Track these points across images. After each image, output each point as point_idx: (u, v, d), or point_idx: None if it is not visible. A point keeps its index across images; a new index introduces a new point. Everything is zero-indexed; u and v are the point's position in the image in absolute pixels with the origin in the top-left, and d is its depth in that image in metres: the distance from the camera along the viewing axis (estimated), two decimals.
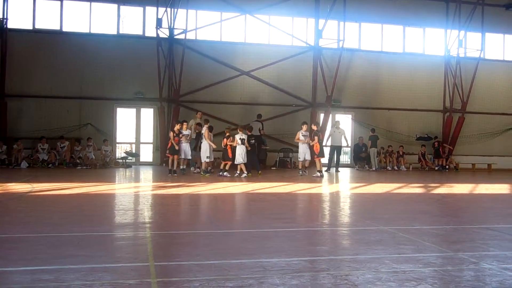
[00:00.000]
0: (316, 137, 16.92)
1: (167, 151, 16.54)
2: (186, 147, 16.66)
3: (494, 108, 25.74)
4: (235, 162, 16.33)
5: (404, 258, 5.27)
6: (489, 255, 5.55)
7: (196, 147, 17.15)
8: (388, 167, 22.66)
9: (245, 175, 16.05)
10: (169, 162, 16.57)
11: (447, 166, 23.52)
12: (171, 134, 16.43)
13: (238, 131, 16.81)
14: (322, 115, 23.52)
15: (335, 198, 11.73)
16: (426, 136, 24.68)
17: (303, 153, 17.18)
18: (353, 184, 15.56)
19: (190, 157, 17.09)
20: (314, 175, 16.48)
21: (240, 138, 16.29)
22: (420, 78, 24.94)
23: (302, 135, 17.07)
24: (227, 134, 16.65)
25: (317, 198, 11.46)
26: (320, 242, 6.35)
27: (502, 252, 5.66)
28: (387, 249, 5.70)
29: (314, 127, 17.53)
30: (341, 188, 14.39)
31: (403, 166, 22.89)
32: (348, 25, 23.68)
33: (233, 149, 16.26)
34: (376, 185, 14.72)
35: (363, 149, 22.66)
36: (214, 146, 16.44)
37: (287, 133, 23.07)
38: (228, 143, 16.32)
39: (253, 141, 17.19)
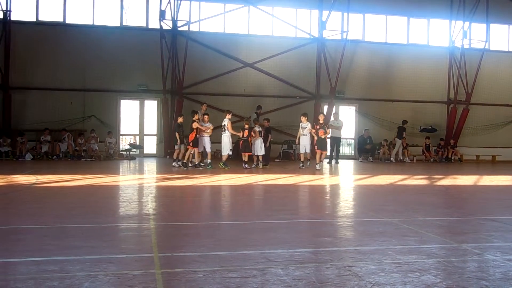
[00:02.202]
0: (328, 129, 17.10)
1: (191, 144, 15.97)
2: (207, 140, 16.41)
3: (499, 99, 25.62)
4: (254, 154, 16.77)
5: (408, 249, 5.28)
6: (493, 246, 5.55)
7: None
8: (392, 159, 22.63)
9: (261, 166, 16.70)
10: (186, 155, 16.17)
11: (452, 158, 23.49)
12: (195, 124, 15.88)
13: (255, 124, 17.35)
14: (326, 107, 23.47)
15: (338, 189, 11.74)
16: (430, 127, 24.60)
17: (303, 145, 17.15)
18: (357, 175, 15.55)
19: (209, 150, 16.70)
20: (319, 168, 16.44)
21: (258, 131, 16.89)
22: (424, 70, 24.83)
23: (301, 127, 17.05)
24: (246, 126, 16.68)
25: (321, 190, 11.47)
26: (324, 233, 6.36)
27: (506, 244, 5.66)
28: (390, 241, 5.71)
29: (321, 119, 17.22)
30: (344, 179, 14.39)
31: (407, 158, 22.86)
32: (352, 16, 23.55)
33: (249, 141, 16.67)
34: (379, 176, 14.71)
35: (368, 141, 22.66)
36: (239, 135, 16.55)
37: (291, 125, 23.04)
38: (253, 135, 16.63)
39: (270, 133, 18.06)
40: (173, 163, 16.39)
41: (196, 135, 15.92)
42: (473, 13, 23.85)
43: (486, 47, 24.88)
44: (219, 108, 21.59)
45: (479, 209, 9.08)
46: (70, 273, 4.19)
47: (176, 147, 16.58)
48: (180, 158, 16.41)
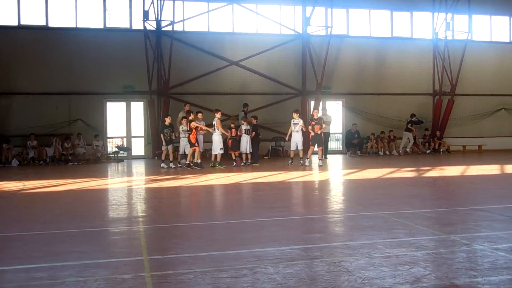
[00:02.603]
0: (324, 124, 17.09)
1: (196, 144, 16.04)
2: (201, 139, 16.46)
3: (483, 89, 25.82)
4: (242, 152, 16.82)
5: (397, 242, 5.32)
6: (480, 236, 5.61)
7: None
8: (380, 152, 22.75)
9: (249, 163, 16.76)
10: (189, 155, 16.16)
11: (440, 150, 23.67)
12: (194, 124, 15.92)
13: (243, 122, 17.28)
14: (312, 103, 23.50)
15: (327, 185, 11.77)
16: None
17: (295, 142, 16.91)
18: (346, 170, 15.61)
19: (201, 150, 16.74)
20: (308, 164, 16.48)
21: (245, 129, 16.86)
22: (409, 62, 24.95)
23: (293, 123, 17.00)
24: (233, 125, 16.72)
25: (310, 186, 11.49)
26: (314, 229, 6.38)
27: (493, 233, 5.72)
28: (380, 234, 5.74)
29: (316, 114, 17.13)
30: (333, 175, 14.44)
31: (395, 151, 22.99)
32: (335, 11, 23.59)
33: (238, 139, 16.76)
34: (368, 170, 14.78)
35: (355, 136, 22.76)
36: (228, 134, 16.52)
37: (279, 122, 23.05)
38: (238, 134, 16.68)
39: (259, 130, 18.06)
40: (162, 164, 16.32)
41: (196, 134, 16.01)
42: (455, 4, 24.01)
43: (469, 38, 25.04)
44: (206, 107, 21.51)
45: (466, 199, 9.16)
46: (59, 279, 4.16)
47: (163, 148, 16.53)
48: (170, 159, 16.37)
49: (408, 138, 23.37)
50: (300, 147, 17.02)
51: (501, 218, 6.69)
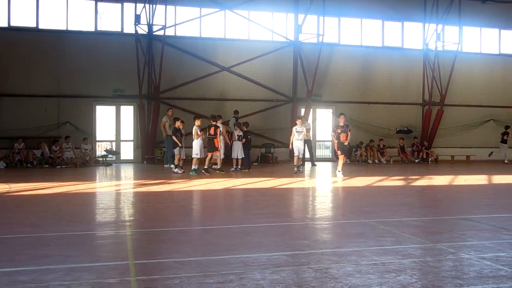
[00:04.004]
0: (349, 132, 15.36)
1: (219, 148, 16.15)
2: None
3: (472, 100, 26.08)
4: (232, 157, 17.20)
5: (384, 250, 5.32)
6: (467, 245, 5.63)
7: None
8: (369, 161, 22.84)
9: (239, 169, 16.96)
10: (208, 160, 16.15)
11: (429, 159, 23.81)
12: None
13: (236, 128, 17.58)
14: (303, 110, 23.57)
15: (316, 192, 11.78)
16: (406, 129, 24.92)
17: (298, 149, 16.34)
18: (334, 178, 15.63)
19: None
20: (341, 176, 14.89)
21: (237, 135, 17.09)
22: (399, 72, 25.16)
23: (296, 131, 16.46)
24: (214, 123, 16.71)
25: (299, 193, 11.49)
26: (301, 236, 6.36)
27: (480, 242, 5.74)
28: (367, 242, 5.74)
29: (343, 121, 15.26)
30: (322, 182, 14.45)
31: (384, 159, 23.09)
32: (327, 19, 23.75)
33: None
34: (357, 178, 14.82)
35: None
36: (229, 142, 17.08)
37: (269, 128, 23.10)
38: (232, 139, 17.08)
39: (250, 136, 17.84)
40: (176, 170, 16.25)
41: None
42: (446, 16, 24.27)
43: (459, 49, 25.32)
44: (197, 112, 21.51)
45: (454, 208, 9.21)
46: (43, 283, 4.11)
47: (176, 151, 16.43)
48: (180, 164, 16.37)
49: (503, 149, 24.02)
50: (301, 155, 16.69)
51: (488, 228, 6.73)
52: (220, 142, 16.23)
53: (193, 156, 15.94)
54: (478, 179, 14.80)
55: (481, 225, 6.98)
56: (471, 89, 25.94)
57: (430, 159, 23.91)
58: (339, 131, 15.08)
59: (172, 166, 16.75)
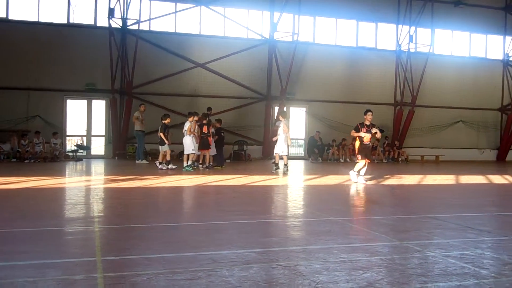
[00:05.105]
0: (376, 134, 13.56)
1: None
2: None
3: (443, 101, 26.59)
4: (184, 153, 16.57)
5: (352, 248, 5.38)
6: (433, 243, 5.74)
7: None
8: (341, 159, 23.06)
9: (211, 166, 16.63)
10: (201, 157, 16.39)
11: (399, 159, 24.17)
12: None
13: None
14: (276, 108, 23.64)
15: (287, 190, 11.83)
16: (378, 128, 25.20)
17: (280, 146, 15.75)
18: (306, 176, 15.73)
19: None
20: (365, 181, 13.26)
21: (211, 132, 16.91)
22: (373, 72, 25.46)
23: (277, 126, 16.14)
24: (205, 121, 16.73)
25: (270, 190, 11.52)
26: (271, 233, 6.39)
27: (445, 240, 5.86)
28: (336, 239, 5.79)
29: (370, 118, 13.48)
30: (294, 180, 14.53)
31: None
32: (303, 18, 23.87)
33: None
34: (328, 177, 14.94)
35: (317, 143, 23.02)
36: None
37: (242, 125, 23.11)
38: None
39: (223, 133, 17.69)
40: (168, 166, 16.10)
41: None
42: (419, 18, 24.66)
43: (431, 51, 25.76)
44: (170, 108, 21.40)
45: (421, 207, 9.36)
46: (7, 279, 4.02)
47: (164, 148, 16.27)
48: (164, 160, 16.20)
49: None
50: (285, 152, 15.79)
51: (453, 226, 6.87)
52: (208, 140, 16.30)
53: (188, 153, 15.89)
54: (446, 179, 15.10)
55: (448, 223, 7.12)
56: (442, 91, 26.44)
57: (400, 159, 24.28)
58: (364, 130, 13.10)
59: (157, 163, 16.42)
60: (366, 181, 12.96)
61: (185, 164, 15.77)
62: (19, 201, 8.76)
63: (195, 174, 14.46)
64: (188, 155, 15.84)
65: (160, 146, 16.39)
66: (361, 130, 13.13)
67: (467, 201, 10.52)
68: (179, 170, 15.57)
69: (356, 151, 13.40)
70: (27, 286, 3.87)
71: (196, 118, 16.27)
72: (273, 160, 16.32)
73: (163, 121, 16.40)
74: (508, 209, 9.60)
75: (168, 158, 16.27)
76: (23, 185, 11.14)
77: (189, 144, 15.84)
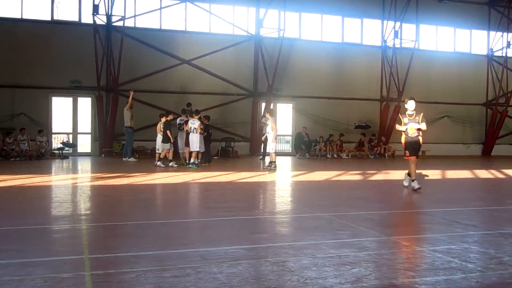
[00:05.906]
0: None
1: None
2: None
3: (428, 97, 26.71)
4: (191, 150, 16.51)
5: (340, 243, 5.41)
6: (420, 238, 5.79)
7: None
8: (328, 155, 23.14)
9: (199, 163, 16.40)
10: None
11: (386, 154, 24.31)
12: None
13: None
14: (263, 104, 23.63)
15: (276, 186, 11.85)
16: (364, 124, 25.35)
17: (272, 144, 15.63)
18: (294, 172, 15.76)
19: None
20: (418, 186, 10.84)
21: (193, 128, 16.66)
22: (359, 68, 25.54)
23: (264, 123, 16.03)
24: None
25: (258, 187, 11.54)
26: (260, 230, 6.40)
27: (432, 235, 5.92)
28: (324, 235, 5.82)
29: (412, 105, 11.44)
30: (282, 176, 14.55)
31: (345, 154, 23.42)
32: (288, 14, 23.85)
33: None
34: (316, 173, 14.99)
35: (304, 139, 23.06)
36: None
37: (229, 122, 23.07)
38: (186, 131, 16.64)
39: (211, 130, 17.58)
40: (171, 163, 15.98)
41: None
42: (404, 13, 24.77)
43: (416, 46, 25.90)
44: (156, 105, 21.29)
45: (409, 202, 9.44)
46: None
47: (166, 146, 16.17)
48: (170, 157, 16.15)
49: None
50: (272, 150, 15.69)
51: (440, 221, 6.93)
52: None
53: (193, 150, 15.94)
54: (432, 174, 15.22)
55: (434, 218, 7.18)
56: (427, 86, 26.61)
57: (387, 154, 24.43)
58: (406, 120, 11.18)
59: (158, 162, 16.25)
60: (415, 188, 10.43)
61: (192, 160, 15.87)
62: (5, 200, 8.67)
63: (199, 171, 14.42)
64: (194, 152, 15.95)
65: (162, 144, 16.27)
66: (402, 120, 11.23)
67: (453, 195, 10.62)
68: (168, 167, 15.51)
69: (403, 145, 11.40)
70: (13, 284, 3.83)
71: (170, 117, 16.34)
72: (270, 160, 15.98)
73: (166, 118, 16.36)
74: (494, 203, 9.73)
75: (170, 156, 16.21)
76: (9, 183, 11.02)
77: (195, 142, 15.87)
